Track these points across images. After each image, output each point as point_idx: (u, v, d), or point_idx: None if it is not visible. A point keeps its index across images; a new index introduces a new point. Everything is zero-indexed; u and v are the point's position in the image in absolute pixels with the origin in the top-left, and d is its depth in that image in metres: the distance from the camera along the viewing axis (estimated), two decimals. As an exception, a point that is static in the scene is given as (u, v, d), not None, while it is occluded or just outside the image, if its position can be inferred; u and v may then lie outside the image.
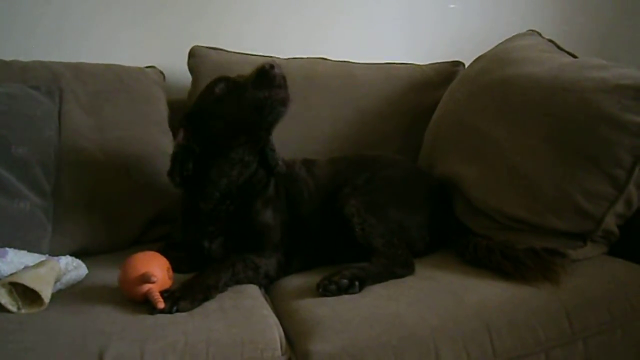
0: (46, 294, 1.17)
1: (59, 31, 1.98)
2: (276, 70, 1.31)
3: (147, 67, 1.95)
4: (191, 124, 1.44)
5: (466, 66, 2.02)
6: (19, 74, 1.68)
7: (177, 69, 2.01)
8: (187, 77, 1.96)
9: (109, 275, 1.32)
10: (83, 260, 1.39)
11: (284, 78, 1.33)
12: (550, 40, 1.81)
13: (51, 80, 1.70)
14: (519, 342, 1.19)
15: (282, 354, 1.10)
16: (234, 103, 1.36)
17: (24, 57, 1.76)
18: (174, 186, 1.45)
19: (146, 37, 2.07)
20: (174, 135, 1.67)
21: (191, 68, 1.94)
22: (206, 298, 1.21)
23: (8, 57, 1.74)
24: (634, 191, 1.37)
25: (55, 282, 1.25)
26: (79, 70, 1.77)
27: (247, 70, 1.89)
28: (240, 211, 1.45)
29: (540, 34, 1.88)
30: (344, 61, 2.09)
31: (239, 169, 1.43)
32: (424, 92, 2.06)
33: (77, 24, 2.00)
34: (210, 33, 2.11)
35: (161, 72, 1.96)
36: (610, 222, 1.38)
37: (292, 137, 1.86)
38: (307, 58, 2.06)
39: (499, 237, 1.46)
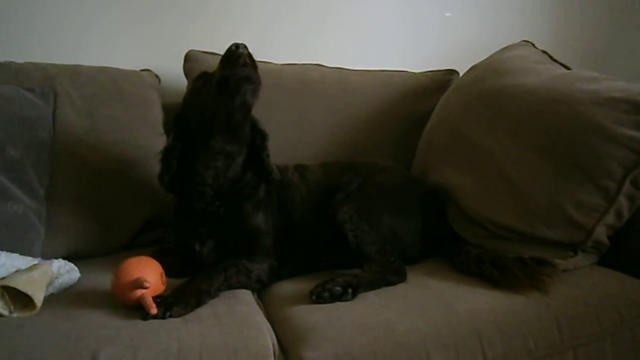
0: (38, 298, 1.17)
1: (55, 34, 1.98)
2: (240, 50, 1.33)
3: (143, 70, 1.95)
4: (177, 124, 1.47)
5: (460, 75, 2.04)
6: (13, 75, 1.67)
7: (173, 73, 2.01)
8: (182, 81, 1.95)
9: (102, 280, 1.31)
10: (75, 264, 1.39)
11: (249, 57, 1.35)
12: (544, 51, 1.83)
13: (46, 83, 1.69)
14: (509, 350, 1.20)
15: (275, 361, 1.10)
16: (206, 91, 1.39)
17: (19, 59, 1.75)
18: (164, 190, 1.46)
19: (142, 41, 2.07)
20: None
21: (187, 72, 1.94)
22: (199, 303, 1.21)
23: (3, 59, 1.73)
24: (625, 203, 1.38)
25: (48, 286, 1.25)
26: (73, 72, 1.76)
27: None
28: (230, 214, 1.45)
29: (534, 45, 1.90)
30: (339, 68, 2.10)
31: (222, 160, 1.43)
32: (419, 100, 2.08)
33: (73, 26, 1.99)
34: (206, 37, 2.11)
35: (156, 76, 1.96)
36: (601, 233, 1.40)
37: (286, 143, 1.87)
38: (302, 64, 2.07)
39: (490, 246, 1.48)
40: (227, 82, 1.34)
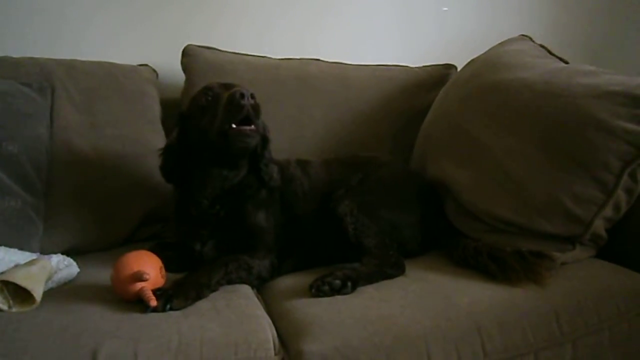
0: (38, 293, 1.16)
1: (53, 29, 1.97)
2: (245, 102, 1.29)
3: (140, 65, 1.94)
4: (182, 124, 1.46)
5: (458, 69, 2.04)
6: (10, 70, 1.67)
7: (171, 68, 2.01)
8: (180, 76, 1.95)
9: (101, 274, 1.31)
10: (74, 259, 1.39)
11: (254, 108, 1.31)
12: (542, 46, 1.83)
13: (43, 77, 1.69)
14: (509, 343, 1.20)
15: (275, 354, 1.10)
16: (209, 120, 1.36)
17: (16, 54, 1.74)
18: (165, 180, 1.48)
19: (140, 35, 2.06)
20: (167, 134, 1.67)
21: (184, 67, 1.94)
22: (199, 296, 1.21)
23: (0, 54, 1.73)
24: (623, 196, 1.38)
25: (47, 281, 1.25)
26: (71, 67, 1.76)
27: (241, 70, 1.92)
28: (231, 215, 1.44)
29: (531, 39, 1.90)
30: (337, 62, 2.10)
31: (222, 178, 1.43)
32: (417, 95, 2.07)
33: (71, 21, 1.99)
34: (204, 32, 2.11)
35: (154, 71, 1.96)
36: (599, 226, 1.40)
37: (285, 137, 1.87)
38: (301, 59, 2.06)
39: (488, 240, 1.47)
40: (227, 134, 1.31)
